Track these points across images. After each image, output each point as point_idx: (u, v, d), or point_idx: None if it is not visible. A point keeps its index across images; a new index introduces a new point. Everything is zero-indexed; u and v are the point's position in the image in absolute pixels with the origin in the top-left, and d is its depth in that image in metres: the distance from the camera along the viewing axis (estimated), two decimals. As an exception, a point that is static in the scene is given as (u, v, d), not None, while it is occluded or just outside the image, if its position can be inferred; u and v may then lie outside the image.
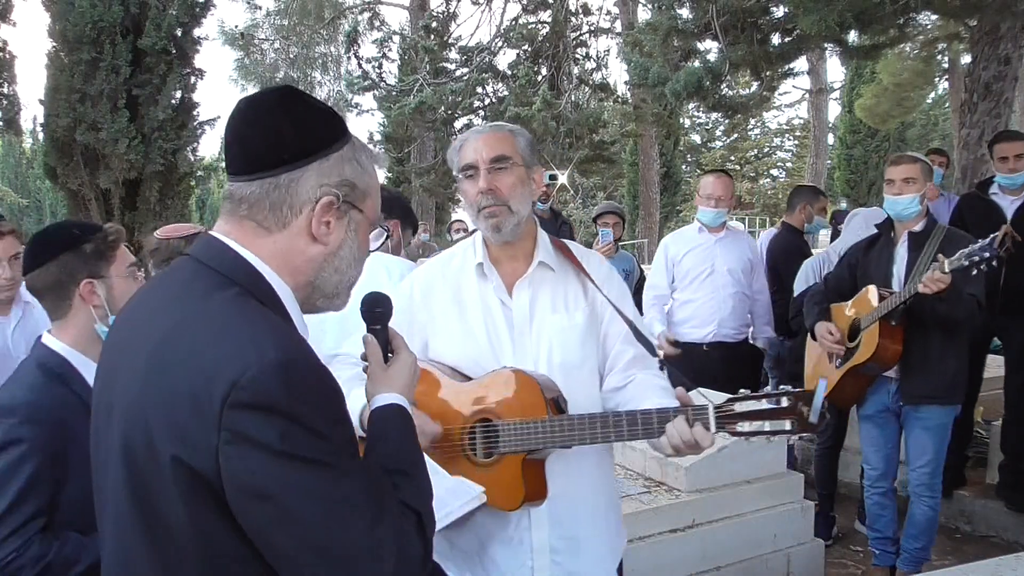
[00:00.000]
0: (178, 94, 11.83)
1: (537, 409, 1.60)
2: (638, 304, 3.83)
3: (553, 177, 6.30)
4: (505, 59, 15.12)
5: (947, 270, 2.85)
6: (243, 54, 23.35)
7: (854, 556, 3.99)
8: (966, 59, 10.51)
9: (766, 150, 38.40)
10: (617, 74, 54.49)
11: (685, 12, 6.96)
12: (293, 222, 1.07)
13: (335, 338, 2.23)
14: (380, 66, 14.67)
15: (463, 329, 1.77)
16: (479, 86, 14.31)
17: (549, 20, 14.47)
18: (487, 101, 14.49)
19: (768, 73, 7.01)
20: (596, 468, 1.80)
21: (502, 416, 1.63)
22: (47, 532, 1.60)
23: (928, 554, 3.40)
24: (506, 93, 13.89)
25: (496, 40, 14.22)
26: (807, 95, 27.01)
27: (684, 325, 4.29)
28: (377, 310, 1.30)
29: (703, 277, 4.24)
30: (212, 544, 0.97)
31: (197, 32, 12.15)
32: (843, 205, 20.12)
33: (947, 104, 22.61)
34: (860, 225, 4.07)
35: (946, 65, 17.07)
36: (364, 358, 1.28)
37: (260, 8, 23.37)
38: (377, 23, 19.65)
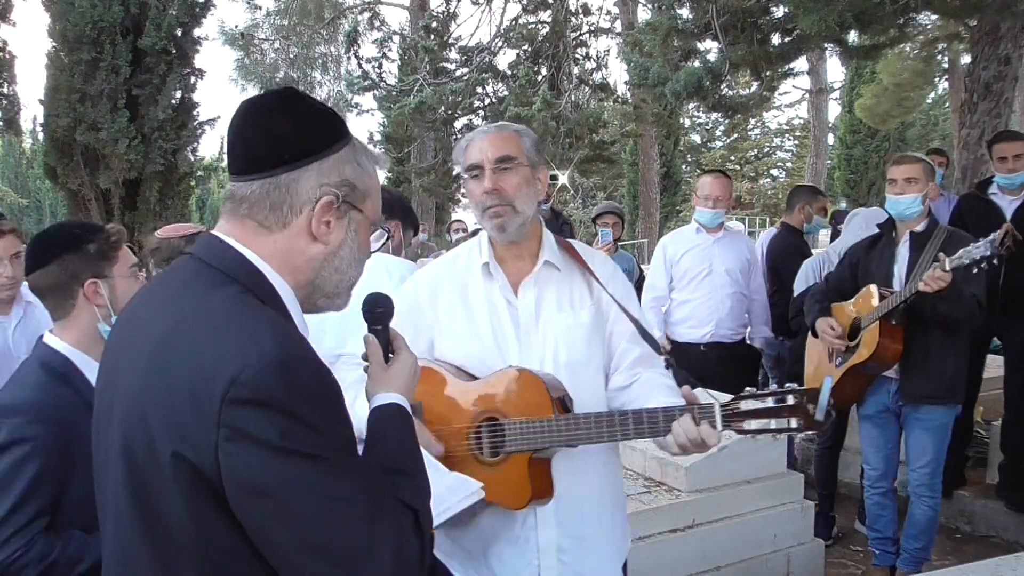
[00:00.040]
0: (178, 94, 11.84)
1: (543, 408, 1.61)
2: (638, 304, 3.84)
3: (553, 177, 6.32)
4: (505, 59, 15.16)
5: (948, 268, 2.85)
6: (243, 54, 23.35)
7: (854, 556, 3.99)
8: (966, 59, 10.51)
9: (766, 150, 38.41)
10: (617, 74, 54.52)
11: (685, 12, 6.96)
12: (293, 221, 1.08)
13: (335, 337, 2.24)
14: (380, 66, 14.70)
15: (469, 328, 1.78)
16: (479, 86, 14.32)
17: (549, 20, 14.48)
18: (487, 101, 14.51)
19: (768, 73, 7.01)
20: (603, 467, 1.81)
21: (508, 415, 1.64)
22: (51, 531, 1.60)
23: (928, 554, 3.40)
24: (506, 93, 13.90)
25: (496, 40, 14.23)
26: (807, 95, 27.03)
27: (682, 325, 4.29)
28: (378, 310, 1.31)
29: (701, 277, 4.25)
30: (212, 543, 0.97)
31: (197, 32, 12.17)
32: (843, 205, 20.12)
33: (947, 104, 22.61)
34: (860, 225, 4.07)
35: (946, 65, 17.07)
36: (365, 358, 1.29)
37: (260, 8, 23.39)
38: (377, 23, 19.67)
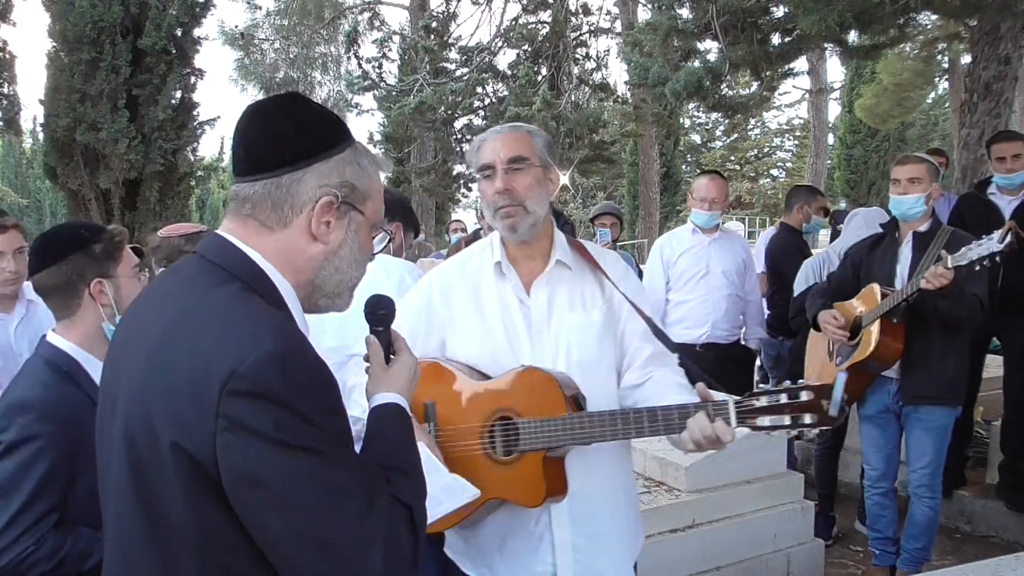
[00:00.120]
0: (178, 94, 11.82)
1: (556, 406, 1.61)
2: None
3: (554, 177, 6.32)
4: (505, 59, 15.16)
5: (950, 266, 2.86)
6: (243, 54, 23.32)
7: (854, 556, 4.00)
8: (966, 59, 10.52)
9: (766, 150, 38.41)
10: (617, 74, 54.54)
11: (685, 12, 6.96)
12: (294, 221, 1.10)
13: (335, 336, 2.24)
14: (380, 66, 14.69)
15: (482, 328, 1.79)
16: (479, 86, 14.32)
17: (549, 20, 14.48)
18: (487, 101, 14.51)
19: (768, 73, 7.01)
20: (616, 465, 1.82)
21: (522, 414, 1.65)
22: (59, 528, 1.63)
23: (928, 554, 3.41)
24: (506, 93, 13.90)
25: (496, 40, 14.23)
26: (807, 95, 27.02)
27: (678, 326, 4.29)
28: (380, 312, 1.32)
29: (697, 278, 4.26)
30: (212, 540, 0.98)
31: (197, 32, 12.13)
32: (843, 205, 20.14)
33: (947, 104, 22.62)
34: (860, 225, 4.07)
35: (946, 65, 17.08)
36: (367, 359, 1.30)
37: (260, 8, 23.34)
38: (377, 23, 19.65)
